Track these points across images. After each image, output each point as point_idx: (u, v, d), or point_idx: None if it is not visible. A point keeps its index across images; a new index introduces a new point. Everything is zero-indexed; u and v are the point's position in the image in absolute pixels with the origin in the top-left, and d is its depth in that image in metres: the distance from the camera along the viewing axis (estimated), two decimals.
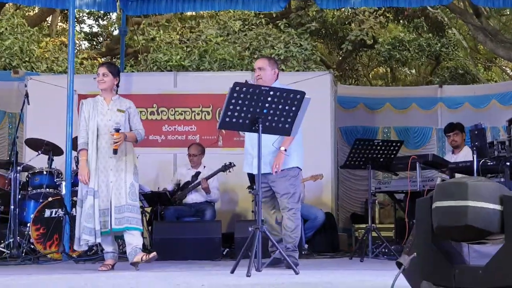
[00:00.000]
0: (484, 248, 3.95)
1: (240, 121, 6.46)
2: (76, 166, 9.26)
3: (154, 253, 7.18)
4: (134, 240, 7.23)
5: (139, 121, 7.54)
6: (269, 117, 6.52)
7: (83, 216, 7.07)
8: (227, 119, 6.44)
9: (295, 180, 7.35)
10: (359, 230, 11.19)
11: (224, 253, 9.35)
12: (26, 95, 9.17)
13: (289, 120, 6.61)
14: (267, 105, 6.44)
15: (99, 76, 7.42)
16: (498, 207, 3.61)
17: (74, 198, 8.73)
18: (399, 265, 4.19)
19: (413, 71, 25.92)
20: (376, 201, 11.49)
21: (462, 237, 3.77)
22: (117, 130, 7.19)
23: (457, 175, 8.88)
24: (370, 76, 25.91)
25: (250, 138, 7.28)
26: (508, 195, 3.62)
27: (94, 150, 7.22)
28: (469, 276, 3.72)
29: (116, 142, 7.18)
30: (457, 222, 3.64)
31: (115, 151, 7.19)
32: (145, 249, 9.57)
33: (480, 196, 3.61)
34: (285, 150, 7.18)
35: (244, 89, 6.33)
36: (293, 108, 6.55)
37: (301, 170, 7.56)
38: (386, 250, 8.83)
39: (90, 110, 7.32)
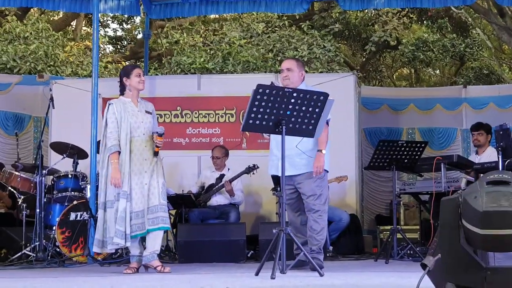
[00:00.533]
0: None
1: (264, 123, 6.45)
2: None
3: (169, 269, 7.19)
4: (155, 246, 7.24)
5: (156, 123, 7.58)
6: (293, 119, 6.50)
7: (117, 219, 6.97)
8: (251, 121, 6.43)
9: (321, 181, 7.31)
10: (384, 232, 11.15)
11: (249, 255, 9.33)
12: (51, 99, 9.24)
13: (312, 121, 6.59)
14: (290, 106, 6.43)
15: (140, 76, 7.41)
16: None
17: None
18: (423, 266, 4.17)
19: (437, 71, 25.82)
20: (401, 203, 11.48)
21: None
22: (161, 135, 7.21)
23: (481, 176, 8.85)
24: (394, 77, 25.85)
25: (275, 140, 7.26)
26: None
27: (128, 153, 7.14)
28: (502, 278, 3.69)
29: (159, 146, 7.20)
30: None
31: (156, 153, 7.22)
32: (170, 251, 9.65)
33: None
34: (324, 151, 7.17)
35: (267, 91, 6.32)
36: (317, 110, 6.54)
37: (327, 172, 7.54)
38: (411, 252, 8.77)
39: (121, 112, 7.24)
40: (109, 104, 7.32)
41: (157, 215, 7.16)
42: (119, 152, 7.15)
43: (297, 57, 14.93)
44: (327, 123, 7.09)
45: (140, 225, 7.09)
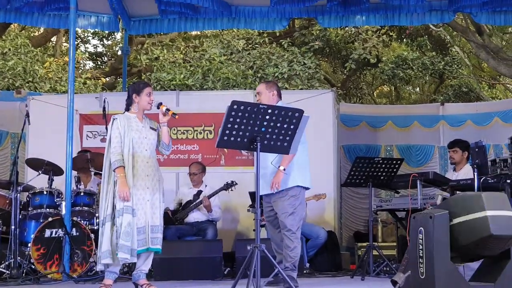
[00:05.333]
0: (472, 264, 3.96)
1: (239, 139, 6.44)
2: (76, 186, 9.29)
3: (155, 287, 7.17)
4: (146, 266, 7.28)
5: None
6: (268, 136, 6.50)
7: (122, 234, 6.90)
8: (225, 138, 6.42)
9: (294, 200, 7.33)
10: (362, 249, 11.14)
11: (226, 272, 9.31)
12: (27, 115, 9.22)
13: (287, 138, 6.59)
14: (265, 123, 6.43)
15: (150, 96, 7.39)
16: None
17: (74, 218, 8.73)
18: (394, 283, 4.19)
19: (417, 89, 25.92)
20: (379, 219, 11.49)
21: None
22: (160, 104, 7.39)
23: (457, 193, 8.88)
24: (375, 94, 25.92)
25: (255, 158, 7.27)
26: None
27: (130, 168, 7.11)
28: None
29: (169, 109, 7.32)
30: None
31: (174, 114, 7.37)
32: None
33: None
34: (284, 169, 7.19)
35: (242, 107, 6.31)
36: (292, 126, 6.54)
37: (306, 189, 7.55)
38: (388, 269, 8.80)
39: (124, 126, 7.23)
40: (114, 119, 7.29)
41: (157, 236, 7.18)
42: (124, 167, 7.12)
43: (277, 74, 15.00)
44: None
45: (142, 241, 7.07)
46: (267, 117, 6.41)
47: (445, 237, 3.84)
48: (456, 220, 3.78)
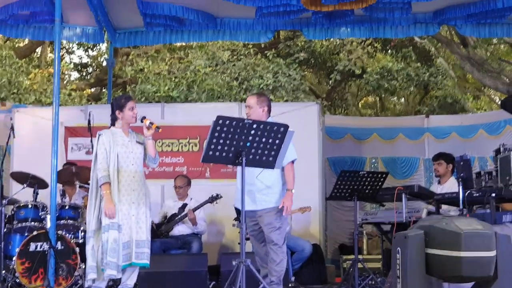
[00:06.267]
0: (463, 285, 3.95)
1: (224, 154, 6.44)
2: (61, 199, 9.25)
3: None
4: (131, 281, 7.33)
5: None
6: (253, 150, 6.50)
7: (108, 250, 6.93)
8: (211, 153, 6.42)
9: (280, 214, 7.33)
10: (347, 261, 11.13)
11: (211, 286, 9.28)
12: (12, 128, 9.18)
13: (273, 153, 6.60)
14: (250, 138, 6.43)
15: (133, 110, 7.39)
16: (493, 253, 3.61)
17: (59, 232, 8.68)
18: None
19: (402, 100, 25.98)
20: (364, 232, 11.49)
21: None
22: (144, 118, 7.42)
23: (444, 206, 8.90)
24: (360, 105, 25.96)
25: (239, 172, 7.25)
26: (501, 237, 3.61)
27: (116, 183, 7.14)
28: None
29: (152, 122, 7.36)
30: (483, 272, 3.64)
31: (157, 128, 7.41)
32: None
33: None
34: (293, 190, 7.23)
35: (227, 122, 6.32)
36: (277, 141, 6.54)
37: None
38: (373, 282, 8.81)
39: (110, 142, 7.25)
40: (99, 135, 7.35)
41: (143, 251, 7.22)
42: (110, 183, 7.10)
43: (262, 85, 15.01)
44: (293, 162, 7.17)
45: (126, 256, 7.06)
46: (252, 132, 6.42)
47: (419, 257, 3.85)
48: (431, 251, 3.78)
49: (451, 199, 8.24)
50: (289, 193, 7.24)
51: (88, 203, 7.29)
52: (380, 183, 8.95)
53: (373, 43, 19.30)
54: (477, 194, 7.77)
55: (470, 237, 3.69)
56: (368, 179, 8.87)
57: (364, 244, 11.71)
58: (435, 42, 19.06)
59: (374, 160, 13.18)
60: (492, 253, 3.66)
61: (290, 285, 9.19)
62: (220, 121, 6.30)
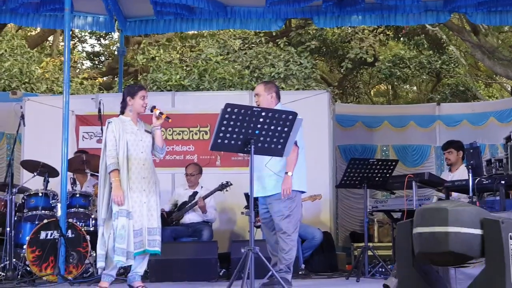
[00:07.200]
0: (470, 270, 3.94)
1: (232, 142, 6.45)
2: (72, 187, 9.27)
3: None
4: (141, 268, 7.32)
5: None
6: (261, 138, 6.50)
7: (116, 237, 6.93)
8: (219, 140, 6.43)
9: (290, 202, 7.33)
10: (358, 249, 11.13)
11: (221, 273, 9.30)
12: (22, 117, 9.22)
13: (281, 141, 6.60)
14: (259, 126, 6.43)
15: (144, 99, 7.41)
16: (478, 231, 3.60)
17: (70, 220, 8.72)
18: (386, 287, 4.19)
19: (414, 88, 25.92)
20: (375, 220, 11.49)
21: (443, 262, 3.75)
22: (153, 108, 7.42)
23: (454, 194, 8.88)
24: (372, 93, 25.92)
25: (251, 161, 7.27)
26: (488, 218, 3.60)
27: (125, 171, 7.14)
28: None
29: (162, 112, 7.35)
30: (438, 248, 3.63)
31: (167, 118, 7.41)
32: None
33: (460, 221, 3.60)
34: (290, 173, 7.20)
35: (236, 110, 6.32)
36: (285, 129, 6.54)
37: (302, 192, 7.55)
38: (383, 270, 8.81)
39: (119, 130, 7.25)
40: (108, 122, 7.32)
41: (155, 238, 7.21)
42: (119, 170, 7.13)
43: (273, 74, 14.98)
44: (296, 144, 7.12)
45: (139, 243, 7.07)
46: (261, 119, 6.42)
47: (406, 244, 3.85)
48: (416, 230, 3.78)
49: (461, 187, 8.24)
50: (287, 176, 7.21)
51: (98, 191, 7.31)
52: (390, 171, 8.95)
53: (385, 31, 19.22)
54: (487, 182, 7.77)
55: (455, 213, 3.68)
56: (378, 166, 8.87)
57: (375, 231, 11.70)
58: (447, 30, 18.98)
59: (385, 148, 13.16)
60: (445, 229, 3.66)
61: (300, 272, 9.21)
62: (229, 109, 6.30)
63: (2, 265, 8.61)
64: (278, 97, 7.61)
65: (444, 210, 3.66)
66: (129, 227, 6.99)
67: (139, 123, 7.40)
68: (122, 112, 7.44)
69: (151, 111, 7.40)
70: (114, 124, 7.26)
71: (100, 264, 7.04)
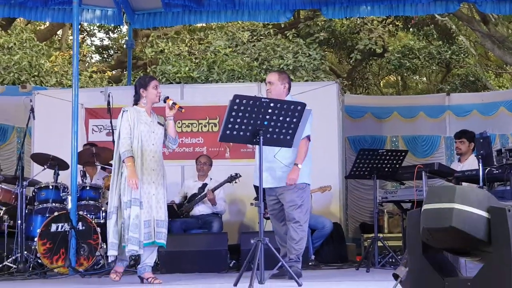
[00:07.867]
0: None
1: (241, 133, 6.46)
2: (82, 180, 9.31)
3: (159, 280, 7.17)
4: (151, 260, 7.33)
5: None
6: (270, 129, 6.51)
7: (130, 226, 6.95)
8: (228, 132, 6.44)
9: (302, 192, 7.36)
10: (368, 240, 11.12)
11: (231, 265, 9.31)
12: (32, 110, 9.24)
13: (290, 131, 6.61)
14: (267, 117, 6.44)
15: (157, 89, 7.42)
16: (484, 214, 3.59)
17: (80, 212, 8.74)
18: (395, 277, 4.18)
19: (424, 79, 25.85)
20: (385, 211, 11.48)
21: (446, 241, 3.74)
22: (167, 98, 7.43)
23: (464, 184, 8.87)
24: (381, 84, 25.87)
25: (258, 151, 7.27)
26: (495, 205, 3.59)
27: (139, 159, 7.16)
28: None
29: (175, 103, 7.37)
30: (441, 223, 3.63)
31: (180, 108, 7.43)
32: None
33: (466, 200, 3.60)
34: (300, 165, 7.22)
35: (244, 101, 6.32)
36: (294, 120, 6.55)
37: (309, 185, 7.57)
38: (393, 260, 8.80)
39: (134, 119, 7.25)
40: (124, 111, 7.32)
41: (162, 230, 7.22)
42: (133, 157, 7.15)
43: (282, 65, 14.95)
44: (309, 138, 7.15)
45: (147, 234, 7.10)
46: (270, 110, 6.43)
47: (416, 232, 3.84)
48: (423, 207, 3.79)
49: (471, 177, 8.22)
50: (295, 167, 7.23)
51: (111, 180, 7.33)
52: (399, 162, 8.94)
53: (394, 22, 19.17)
54: (497, 171, 7.74)
55: (463, 192, 3.69)
56: (387, 157, 8.86)
57: (385, 222, 11.68)
58: (456, 20, 18.91)
59: (394, 139, 13.14)
60: (451, 205, 3.67)
61: (310, 263, 9.22)
62: (237, 100, 6.31)
63: (13, 257, 8.64)
64: (289, 89, 7.61)
65: (452, 188, 3.67)
66: (141, 217, 7.02)
67: (152, 115, 7.42)
68: (136, 104, 7.46)
69: (164, 101, 7.41)
70: (130, 112, 7.27)
71: (113, 252, 7.07)
